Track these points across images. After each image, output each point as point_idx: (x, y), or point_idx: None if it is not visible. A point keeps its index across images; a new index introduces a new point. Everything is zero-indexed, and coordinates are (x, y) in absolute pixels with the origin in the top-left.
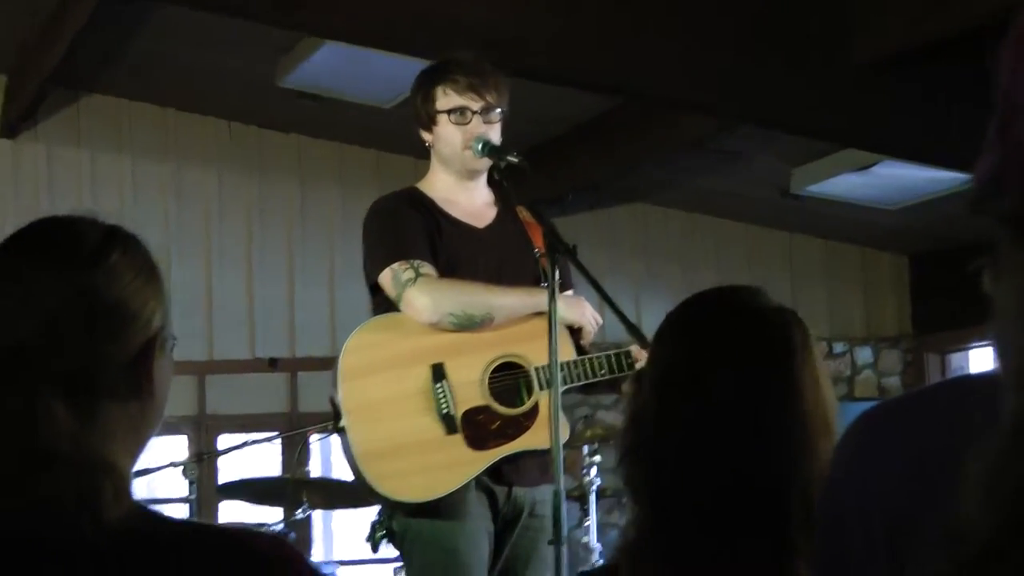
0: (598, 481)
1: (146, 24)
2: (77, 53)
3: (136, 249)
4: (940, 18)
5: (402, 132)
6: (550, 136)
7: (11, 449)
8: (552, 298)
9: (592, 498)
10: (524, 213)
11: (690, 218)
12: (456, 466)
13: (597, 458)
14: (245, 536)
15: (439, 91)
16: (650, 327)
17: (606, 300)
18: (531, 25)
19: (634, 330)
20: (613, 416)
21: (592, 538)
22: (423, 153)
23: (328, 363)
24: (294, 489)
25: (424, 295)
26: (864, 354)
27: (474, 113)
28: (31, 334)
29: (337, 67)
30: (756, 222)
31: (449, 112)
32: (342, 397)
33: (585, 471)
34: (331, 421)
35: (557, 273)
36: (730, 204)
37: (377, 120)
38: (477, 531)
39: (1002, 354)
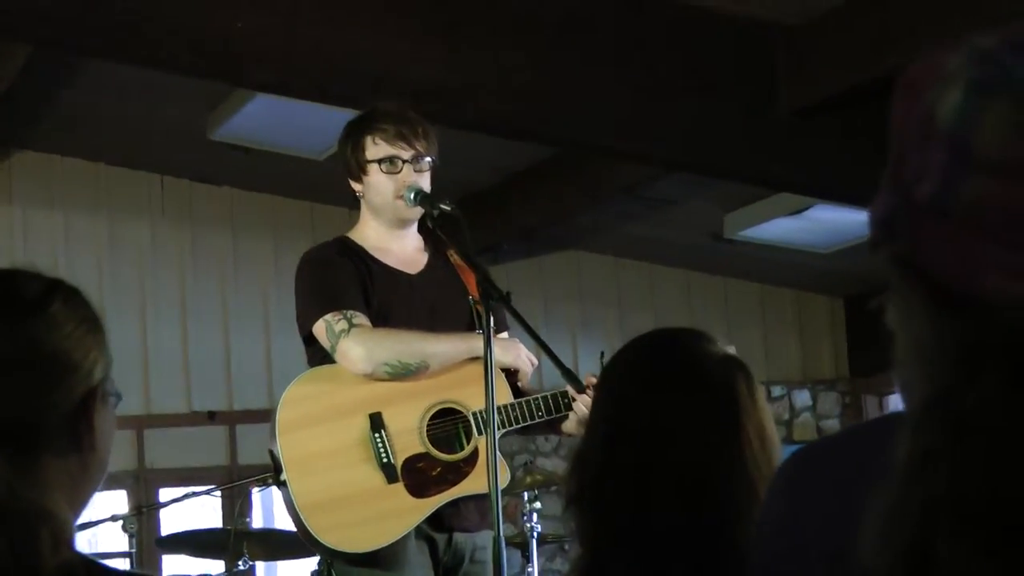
0: (539, 528)
1: (76, 79)
2: (6, 109)
3: (78, 301)
4: (865, 64)
5: (334, 183)
6: (484, 185)
7: None
8: (487, 344)
9: (533, 544)
10: (455, 257)
11: (624, 263)
12: (399, 515)
13: (537, 504)
14: None
15: (368, 140)
16: (587, 371)
17: (541, 346)
18: (461, 76)
19: (569, 375)
20: (553, 463)
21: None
22: (355, 203)
23: (266, 415)
24: (235, 541)
25: (358, 346)
26: (802, 397)
27: (404, 162)
28: None
29: (268, 119)
30: (691, 266)
31: (379, 161)
32: (281, 450)
33: (526, 517)
34: (270, 473)
35: (491, 318)
36: (664, 249)
37: (309, 171)
38: None
39: (902, 394)
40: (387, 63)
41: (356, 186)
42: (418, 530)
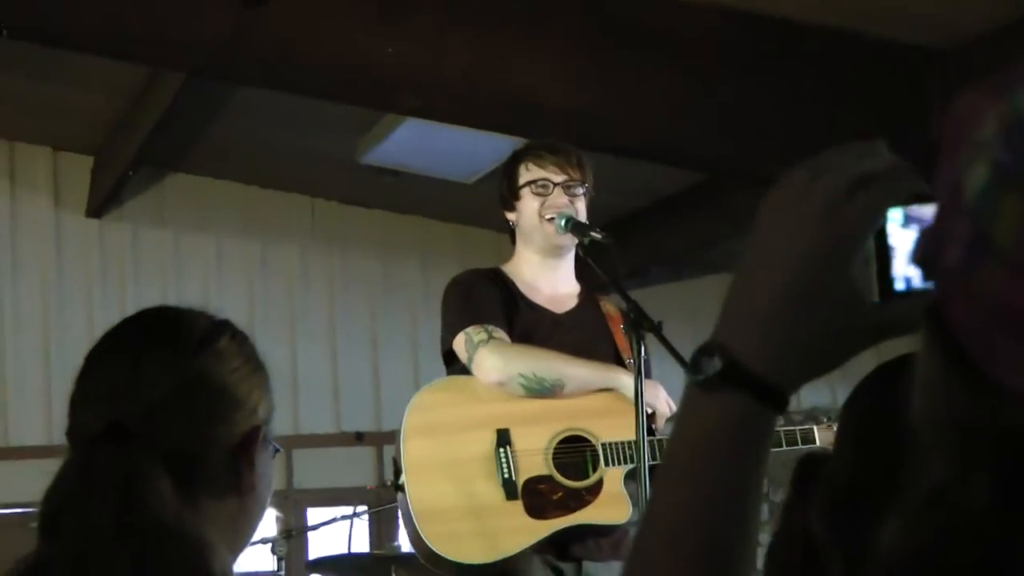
0: None
1: (229, 104)
2: (162, 133)
3: (244, 341)
4: None
5: (483, 207)
6: (632, 208)
7: (118, 520)
8: (638, 371)
9: None
10: (608, 307)
11: None
12: (513, 533)
13: None
14: None
15: (522, 167)
16: None
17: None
18: (612, 101)
19: None
20: None
21: None
22: (511, 237)
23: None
24: (383, 565)
25: (495, 355)
26: None
27: (555, 185)
28: (138, 411)
29: (417, 144)
30: None
31: (531, 184)
32: (404, 454)
33: None
34: (390, 477)
35: (643, 347)
36: None
37: (458, 195)
38: None
39: (922, 442)
40: (536, 89)
41: (510, 215)
42: (544, 560)
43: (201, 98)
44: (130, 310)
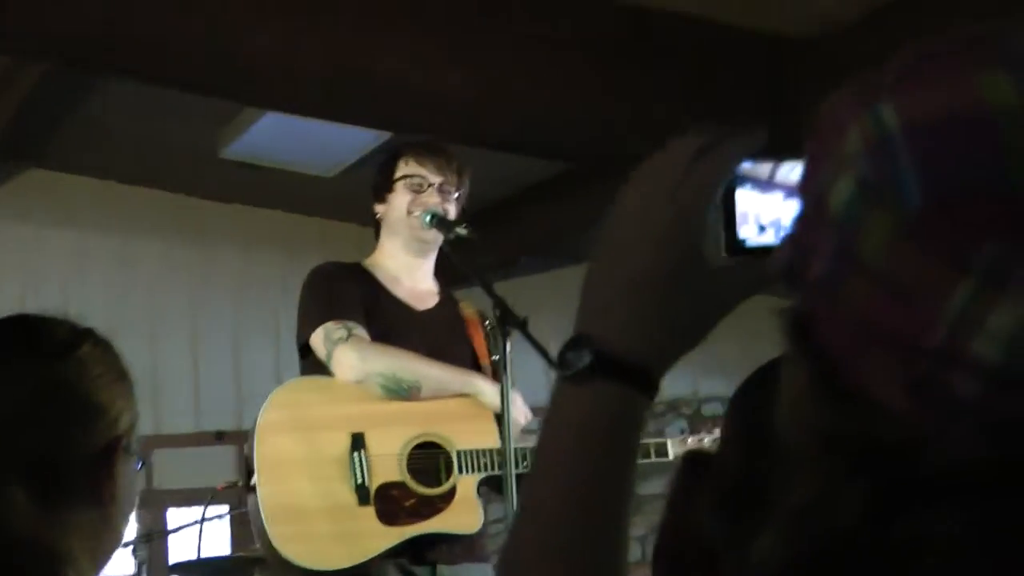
0: None
1: (87, 97)
2: (19, 127)
3: (107, 349)
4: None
5: (345, 200)
6: (500, 197)
7: None
8: (504, 370)
9: None
10: (466, 309)
11: None
12: (364, 538)
13: None
14: None
15: (401, 162)
16: None
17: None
18: (479, 91)
19: None
20: None
21: None
22: (367, 220)
23: None
24: (245, 567)
25: (353, 353)
26: None
27: (430, 185)
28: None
29: (278, 137)
30: None
31: (406, 178)
32: (256, 451)
33: None
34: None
35: (506, 348)
36: None
37: (319, 188)
38: None
39: (779, 462)
40: (403, 79)
41: (379, 207)
42: (398, 564)
43: (62, 90)
44: None
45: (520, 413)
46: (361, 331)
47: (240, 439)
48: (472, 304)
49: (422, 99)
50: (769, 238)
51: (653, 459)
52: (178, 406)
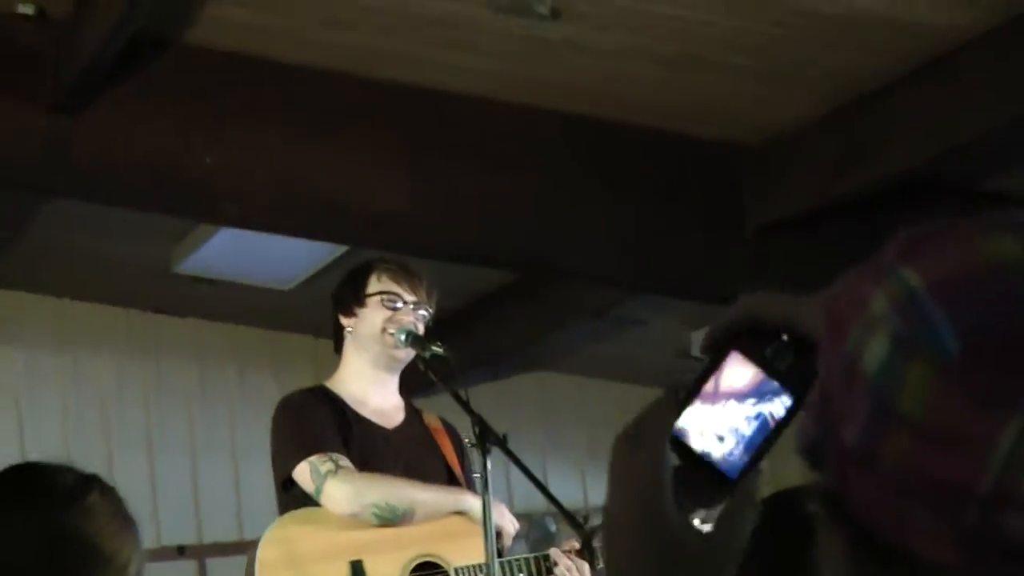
0: None
1: (37, 215)
2: None
3: (113, 496)
4: (829, 183)
5: (299, 313)
6: (447, 309)
7: None
8: (484, 486)
9: None
10: (430, 419)
11: (592, 383)
12: None
13: None
14: None
15: (373, 277)
16: (557, 494)
17: (539, 487)
18: (423, 204)
19: (571, 519)
20: None
21: None
22: (321, 332)
23: (237, 547)
24: None
25: (346, 484)
26: None
27: (405, 303)
28: (4, 570)
29: (233, 252)
30: (655, 384)
31: (381, 294)
32: None
33: None
34: None
35: (486, 465)
36: (633, 367)
37: (273, 301)
38: None
39: None
40: (345, 193)
41: (347, 321)
42: None
43: (7, 210)
44: None
45: (508, 523)
46: (346, 462)
47: (201, 552)
48: (433, 412)
49: (369, 214)
50: (728, 447)
51: None
52: (138, 520)
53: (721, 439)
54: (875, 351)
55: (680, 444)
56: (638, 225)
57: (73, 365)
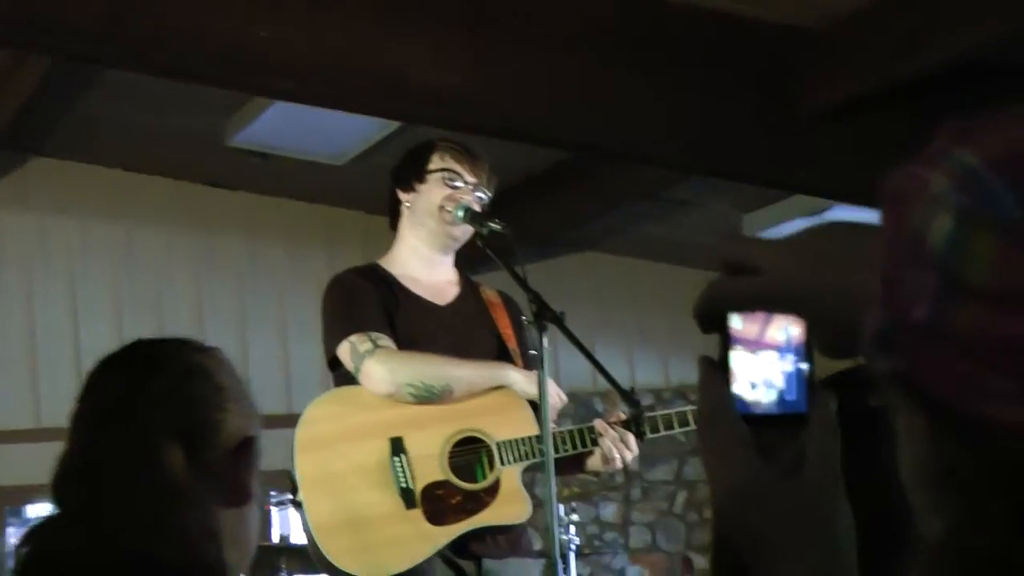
0: (576, 540)
1: (93, 85)
2: (25, 116)
3: (229, 362)
4: (885, 68)
5: (351, 188)
6: (502, 187)
7: (130, 483)
8: (541, 366)
9: (572, 558)
10: (488, 293)
11: (642, 264)
12: (415, 541)
13: (575, 517)
14: None
15: (436, 154)
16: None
17: (595, 364)
18: (482, 82)
19: (625, 394)
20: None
21: None
22: (373, 208)
23: (283, 420)
24: (271, 556)
25: (381, 365)
26: None
27: (465, 183)
28: (147, 393)
29: (286, 125)
30: (704, 267)
31: (442, 171)
32: (298, 469)
33: (563, 531)
34: (288, 491)
35: (543, 342)
36: (679, 250)
37: (326, 176)
38: None
39: (919, 517)
40: (405, 69)
41: (405, 196)
42: (445, 558)
43: (66, 81)
44: None
45: (555, 396)
46: (386, 341)
47: None
48: (493, 287)
49: (425, 89)
50: (762, 396)
51: (677, 430)
52: None
53: (771, 387)
54: (940, 227)
55: (747, 415)
56: (693, 107)
57: (125, 236)
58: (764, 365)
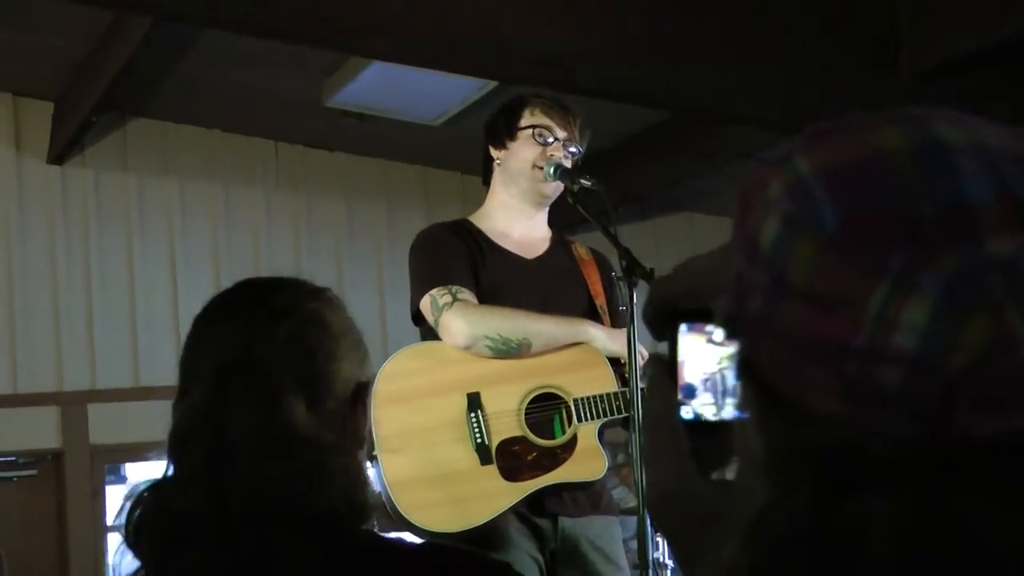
0: None
1: (192, 47)
2: (125, 78)
3: (342, 304)
4: (987, 27)
5: (448, 148)
6: (598, 149)
7: (257, 433)
8: (631, 321)
9: None
10: (580, 250)
11: None
12: (489, 497)
13: None
14: (476, 556)
15: (527, 110)
16: None
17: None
18: (582, 42)
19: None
20: None
21: (663, 554)
22: (469, 168)
23: None
24: None
25: (459, 318)
26: None
27: (556, 139)
28: (268, 343)
29: (384, 86)
30: None
31: (533, 127)
32: (374, 424)
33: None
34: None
35: (632, 299)
36: None
37: (422, 136)
38: (521, 562)
39: (738, 499)
40: (505, 30)
41: (497, 153)
42: (521, 516)
43: (165, 42)
44: (93, 256)
45: (638, 355)
46: (467, 294)
47: None
48: (585, 244)
49: (523, 49)
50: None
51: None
52: None
53: (718, 396)
54: (769, 230)
55: (689, 420)
56: (791, 65)
57: (224, 195)
58: (713, 371)
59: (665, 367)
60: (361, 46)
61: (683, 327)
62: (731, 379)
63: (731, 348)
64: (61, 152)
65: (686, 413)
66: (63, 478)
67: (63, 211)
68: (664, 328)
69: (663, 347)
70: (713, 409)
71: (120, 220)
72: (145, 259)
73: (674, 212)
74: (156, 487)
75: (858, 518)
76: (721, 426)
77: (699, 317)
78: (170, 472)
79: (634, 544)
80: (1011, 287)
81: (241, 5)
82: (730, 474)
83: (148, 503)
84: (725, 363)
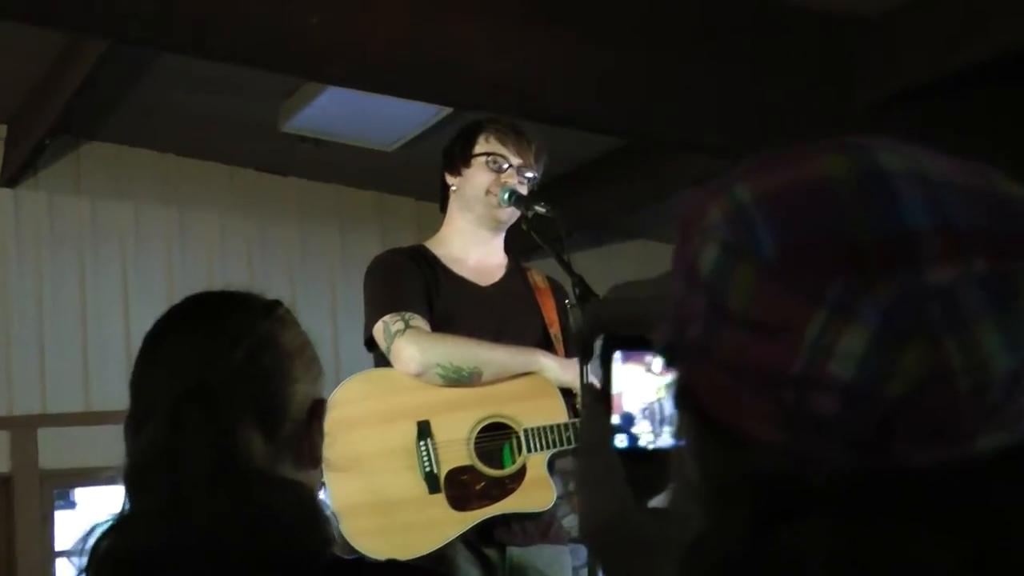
0: None
1: (146, 71)
2: (78, 101)
3: (293, 317)
4: (941, 57)
5: (403, 174)
6: (553, 174)
7: (212, 469)
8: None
9: None
10: (536, 277)
11: None
12: (436, 526)
13: None
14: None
15: (482, 137)
16: None
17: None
18: (538, 69)
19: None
20: None
21: None
22: (424, 195)
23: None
24: None
25: (411, 345)
26: None
27: (510, 166)
28: (221, 372)
29: (339, 111)
30: None
31: (486, 155)
32: (324, 450)
33: None
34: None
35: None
36: None
37: (377, 162)
38: None
39: (675, 523)
40: (462, 56)
41: (452, 180)
42: (470, 545)
43: (120, 65)
44: (46, 279)
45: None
46: (419, 321)
47: None
48: (541, 272)
49: (478, 76)
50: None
51: None
52: None
53: (655, 425)
54: (708, 256)
55: (625, 448)
56: (746, 95)
57: (179, 219)
58: (651, 400)
59: (598, 395)
60: (314, 71)
61: (619, 355)
62: (669, 407)
63: (669, 377)
64: (14, 175)
65: (620, 442)
66: (12, 502)
67: (15, 234)
68: (597, 352)
69: (596, 372)
70: (650, 437)
71: (73, 243)
72: (98, 283)
73: (631, 239)
74: (116, 526)
75: (795, 546)
76: (657, 454)
77: (635, 344)
78: (127, 508)
79: (585, 573)
80: (948, 317)
81: (193, 28)
82: (666, 502)
83: (110, 542)
84: (663, 392)
